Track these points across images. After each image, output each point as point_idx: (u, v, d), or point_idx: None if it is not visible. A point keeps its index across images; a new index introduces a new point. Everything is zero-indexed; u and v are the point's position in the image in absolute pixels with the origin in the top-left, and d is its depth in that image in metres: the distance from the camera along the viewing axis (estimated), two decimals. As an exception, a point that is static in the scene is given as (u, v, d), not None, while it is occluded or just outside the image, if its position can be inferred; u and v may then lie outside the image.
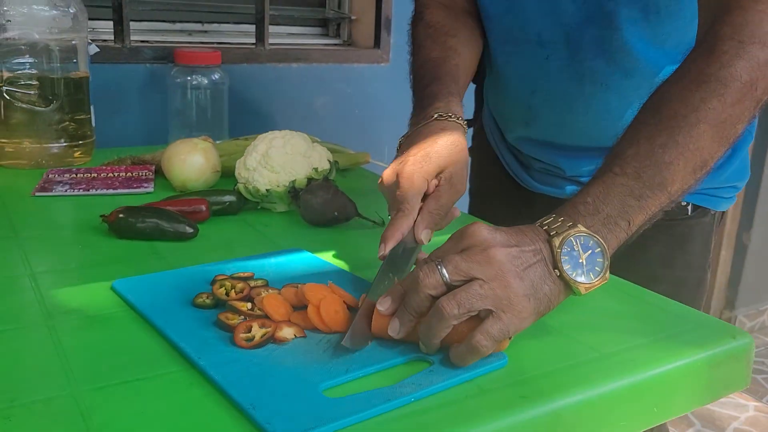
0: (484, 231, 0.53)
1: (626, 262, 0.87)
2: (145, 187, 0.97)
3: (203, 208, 0.83)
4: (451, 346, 0.51)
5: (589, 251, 0.54)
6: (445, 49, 0.82)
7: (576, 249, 0.53)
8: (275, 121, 1.43)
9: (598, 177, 0.58)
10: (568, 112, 0.85)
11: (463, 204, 1.13)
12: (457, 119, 0.72)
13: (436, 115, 0.72)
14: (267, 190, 0.86)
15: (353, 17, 1.64)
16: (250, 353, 0.51)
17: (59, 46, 1.05)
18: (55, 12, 1.04)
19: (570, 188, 0.90)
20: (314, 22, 1.69)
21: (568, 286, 0.54)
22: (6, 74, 1.03)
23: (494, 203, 1.02)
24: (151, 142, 1.26)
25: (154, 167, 1.05)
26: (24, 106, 1.05)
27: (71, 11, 1.05)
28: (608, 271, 0.55)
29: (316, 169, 0.87)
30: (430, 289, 0.51)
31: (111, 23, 1.31)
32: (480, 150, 1.04)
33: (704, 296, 0.93)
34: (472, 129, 1.10)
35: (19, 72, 1.03)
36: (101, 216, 0.78)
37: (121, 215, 0.77)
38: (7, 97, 1.03)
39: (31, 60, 1.04)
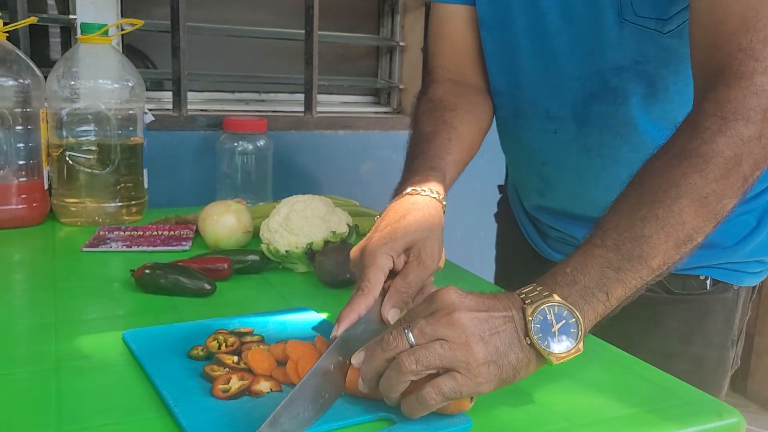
0: (452, 294, 0.54)
1: (640, 337, 0.86)
2: (183, 246, 1.04)
3: (225, 266, 0.88)
4: (403, 397, 0.52)
5: (563, 321, 0.54)
6: (438, 124, 0.82)
7: (549, 318, 0.54)
8: (320, 184, 1.49)
9: (579, 248, 0.58)
10: (579, 183, 0.86)
11: (488, 271, 1.14)
12: (431, 193, 0.70)
13: (409, 190, 0.71)
14: (286, 251, 0.91)
15: (401, 86, 1.71)
16: (224, 404, 0.54)
17: (119, 115, 1.16)
18: (116, 85, 1.15)
19: None
20: (367, 91, 1.77)
21: (540, 355, 0.54)
22: (71, 140, 1.14)
23: (516, 271, 1.03)
24: (201, 203, 1.34)
25: (195, 227, 1.12)
26: (85, 169, 1.15)
27: (130, 84, 1.16)
28: (582, 342, 0.54)
29: (334, 233, 0.91)
30: (395, 351, 0.53)
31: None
32: (504, 218, 1.05)
33: (726, 376, 0.89)
34: (500, 196, 1.12)
35: (82, 138, 1.14)
36: (131, 271, 0.85)
37: (147, 271, 0.83)
38: (70, 162, 1.14)
39: (94, 128, 1.15)
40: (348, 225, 0.94)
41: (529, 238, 0.99)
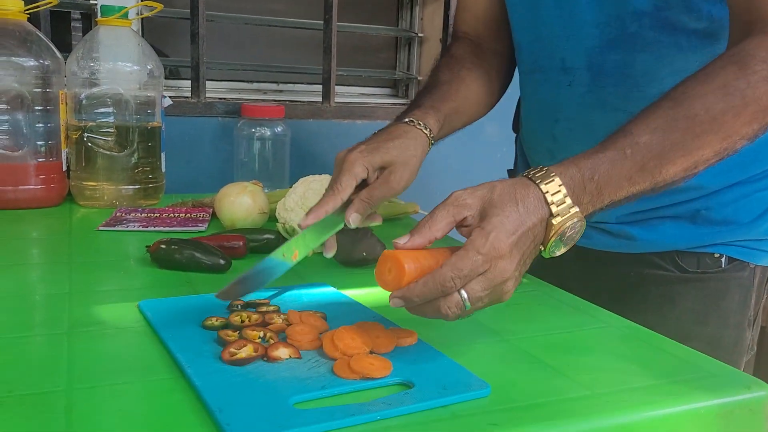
0: (505, 254, 0.54)
1: (656, 318, 0.84)
2: (200, 227, 1.03)
3: (240, 243, 0.88)
4: None
5: (573, 231, 0.58)
6: (453, 76, 0.87)
7: (566, 232, 0.57)
8: (337, 173, 1.49)
9: (608, 151, 0.59)
10: (592, 141, 0.83)
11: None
12: (424, 128, 0.76)
13: (407, 120, 0.76)
14: (302, 229, 0.90)
15: (420, 78, 1.70)
16: (238, 367, 0.53)
17: (138, 98, 1.16)
18: (136, 68, 1.16)
19: (597, 237, 0.88)
20: (385, 82, 1.76)
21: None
22: (90, 123, 1.14)
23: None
24: (218, 189, 1.34)
25: (211, 210, 1.12)
26: (103, 151, 1.15)
27: (149, 68, 1.16)
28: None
29: (350, 211, 0.90)
30: (451, 313, 0.54)
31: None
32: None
33: (744, 356, 0.87)
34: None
35: (101, 121, 1.14)
36: (146, 247, 0.84)
37: (162, 246, 0.82)
38: (89, 144, 1.14)
39: (112, 111, 1.15)
40: (365, 205, 0.93)
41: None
